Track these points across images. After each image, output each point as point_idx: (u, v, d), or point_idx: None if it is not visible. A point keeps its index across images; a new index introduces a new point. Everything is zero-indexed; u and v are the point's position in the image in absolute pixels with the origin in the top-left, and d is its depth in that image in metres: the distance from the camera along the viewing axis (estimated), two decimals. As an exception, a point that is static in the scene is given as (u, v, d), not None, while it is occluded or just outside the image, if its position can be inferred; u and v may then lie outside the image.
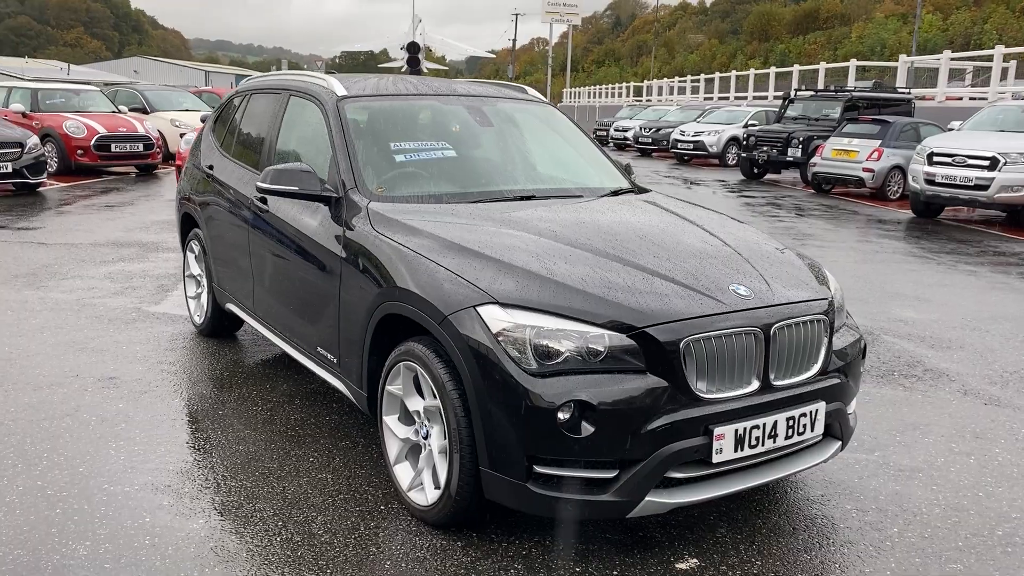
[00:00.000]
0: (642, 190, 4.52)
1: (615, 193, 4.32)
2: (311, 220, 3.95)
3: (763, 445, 3.00)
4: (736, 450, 2.93)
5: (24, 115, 15.20)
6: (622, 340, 2.85)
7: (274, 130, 4.66)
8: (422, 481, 3.26)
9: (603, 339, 2.85)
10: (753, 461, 3.04)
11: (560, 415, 2.76)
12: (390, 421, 3.41)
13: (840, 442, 3.36)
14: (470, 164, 4.18)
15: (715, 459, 2.90)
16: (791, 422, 3.05)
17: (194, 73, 73.45)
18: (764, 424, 2.98)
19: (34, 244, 8.63)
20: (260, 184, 3.87)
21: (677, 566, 3.04)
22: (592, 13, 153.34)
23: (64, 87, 17.11)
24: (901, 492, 3.67)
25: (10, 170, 11.82)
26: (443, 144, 4.15)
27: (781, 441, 3.04)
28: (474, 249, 3.19)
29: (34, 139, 12.38)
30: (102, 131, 14.87)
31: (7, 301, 6.35)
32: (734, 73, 35.57)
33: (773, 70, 32.04)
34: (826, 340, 3.22)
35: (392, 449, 3.42)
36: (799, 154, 18.32)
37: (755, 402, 2.98)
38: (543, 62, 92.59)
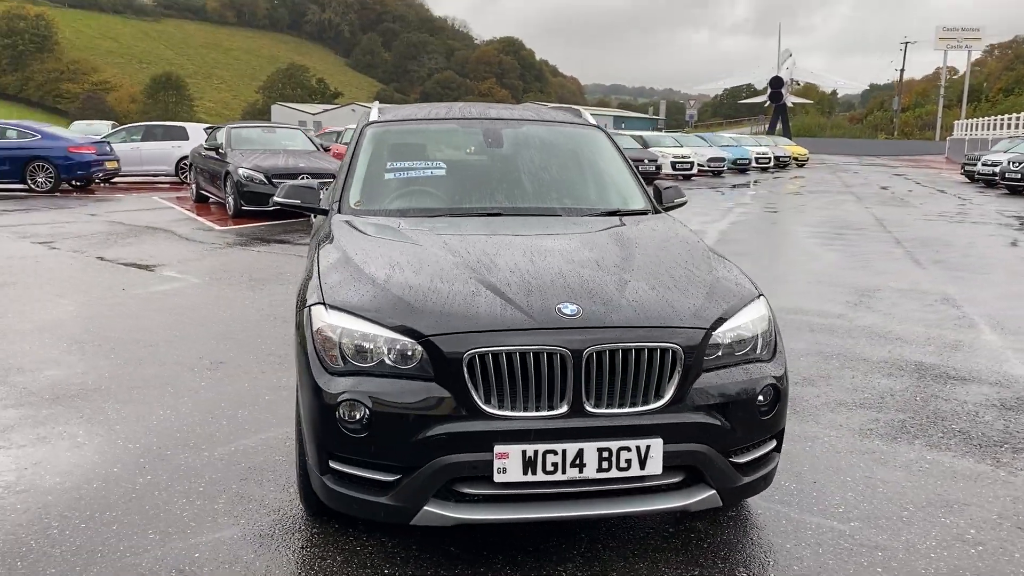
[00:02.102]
0: (656, 213, 4.33)
1: (612, 214, 4.20)
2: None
3: (563, 473, 2.82)
4: (525, 473, 2.80)
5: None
6: (415, 347, 2.89)
7: (349, 153, 5.23)
8: (307, 470, 3.53)
9: (407, 346, 2.91)
10: (568, 489, 2.87)
11: (339, 412, 2.88)
12: (310, 412, 3.73)
13: (714, 491, 2.99)
14: (453, 183, 4.34)
15: (497, 478, 2.80)
16: (605, 454, 2.83)
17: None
18: (564, 451, 2.81)
19: (293, 256, 10.21)
20: (275, 198, 4.43)
21: (476, 587, 2.97)
22: (1012, 37, 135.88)
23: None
24: (827, 567, 3.12)
25: (323, 196, 13.99)
26: (436, 164, 4.38)
27: (592, 473, 2.83)
28: (349, 255, 3.41)
29: (346, 170, 14.49)
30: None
31: (222, 297, 7.69)
32: None
33: None
34: (677, 373, 2.91)
35: (308, 438, 3.73)
36: None
37: (557, 426, 2.82)
38: (936, 92, 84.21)
